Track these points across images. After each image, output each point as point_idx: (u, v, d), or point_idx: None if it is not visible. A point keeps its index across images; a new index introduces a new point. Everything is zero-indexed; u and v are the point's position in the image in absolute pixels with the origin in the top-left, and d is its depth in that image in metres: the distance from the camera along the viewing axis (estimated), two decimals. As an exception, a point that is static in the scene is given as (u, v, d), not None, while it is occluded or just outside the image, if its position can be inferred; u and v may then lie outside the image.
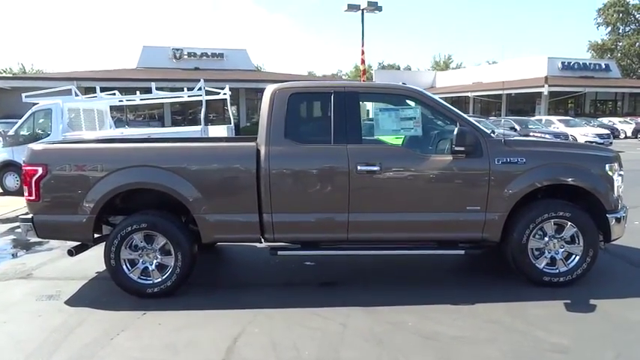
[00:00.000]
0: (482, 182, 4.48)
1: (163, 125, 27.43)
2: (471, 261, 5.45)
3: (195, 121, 29.47)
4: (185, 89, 14.20)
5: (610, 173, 4.62)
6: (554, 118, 26.08)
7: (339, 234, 4.59)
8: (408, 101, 4.69)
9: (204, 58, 31.26)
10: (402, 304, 4.36)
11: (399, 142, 5.00)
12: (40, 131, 11.29)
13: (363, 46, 22.92)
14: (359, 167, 4.44)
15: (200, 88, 11.44)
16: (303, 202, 4.54)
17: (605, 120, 31.02)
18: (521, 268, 4.62)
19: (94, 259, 5.65)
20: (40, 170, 4.54)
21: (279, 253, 4.65)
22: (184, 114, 30.01)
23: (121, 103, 14.54)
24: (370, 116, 5.61)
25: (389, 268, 5.39)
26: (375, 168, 4.44)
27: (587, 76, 38.54)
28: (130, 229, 4.55)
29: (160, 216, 4.66)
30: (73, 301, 4.66)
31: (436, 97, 4.88)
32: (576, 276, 4.61)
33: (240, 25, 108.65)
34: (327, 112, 4.61)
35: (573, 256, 4.64)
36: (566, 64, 38.45)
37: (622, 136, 29.93)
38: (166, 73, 27.59)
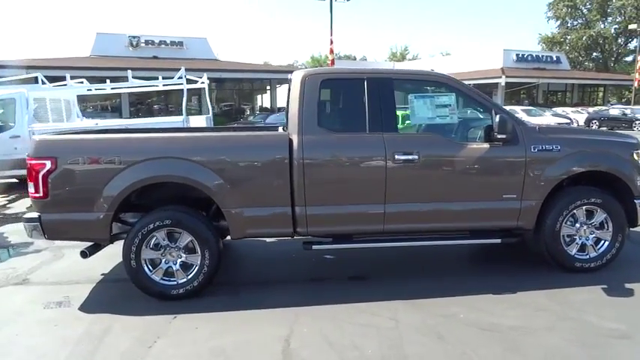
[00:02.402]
0: (519, 170, 4.42)
1: (121, 116, 26.25)
2: (490, 250, 5.42)
3: (150, 112, 28.55)
4: (161, 79, 13.36)
5: (637, 159, 4.68)
6: (517, 108, 26.84)
7: (375, 226, 4.42)
8: (442, 88, 4.56)
9: (163, 46, 30.12)
10: (441, 295, 4.25)
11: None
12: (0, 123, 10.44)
13: (331, 35, 22.82)
14: (396, 156, 4.28)
15: (181, 77, 10.88)
16: (338, 194, 4.33)
17: (558, 110, 32.26)
18: (553, 255, 4.61)
19: (90, 260, 5.24)
20: (48, 164, 4.10)
21: (314, 247, 4.42)
22: (142, 104, 28.93)
23: (90, 93, 13.67)
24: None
25: (413, 260, 5.29)
26: (414, 157, 4.29)
27: (539, 68, 40.04)
28: (152, 226, 4.20)
29: (184, 212, 4.34)
30: (88, 307, 4.27)
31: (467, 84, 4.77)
32: (606, 261, 4.65)
33: (199, 12, 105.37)
34: (360, 99, 4.40)
35: (602, 241, 4.68)
36: (520, 56, 39.75)
37: (575, 125, 31.28)
38: (123, 62, 26.33)
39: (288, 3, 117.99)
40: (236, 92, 35.90)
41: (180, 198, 4.49)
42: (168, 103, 29.93)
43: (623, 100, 43.75)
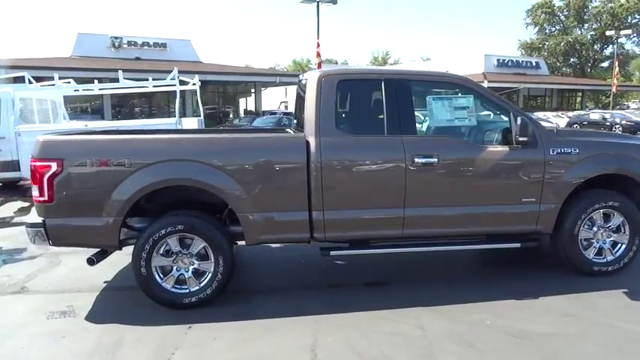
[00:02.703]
0: (538, 173, 4.36)
1: (103, 118, 25.68)
2: (499, 254, 5.34)
3: (132, 114, 27.95)
4: (151, 80, 13.01)
5: (651, 161, 4.66)
6: None
7: (393, 230, 4.30)
8: (459, 90, 4.48)
9: (146, 47, 29.60)
10: (461, 301, 4.15)
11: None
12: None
13: (318, 38, 22.66)
14: (416, 159, 4.17)
15: (174, 78, 10.62)
16: (357, 198, 4.21)
17: (540, 114, 32.74)
18: (571, 259, 4.56)
19: (90, 267, 5.01)
20: (53, 166, 3.88)
21: (332, 253, 4.28)
22: (123, 107, 28.38)
23: (77, 94, 13.29)
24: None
25: (426, 265, 5.19)
26: (433, 160, 4.19)
27: (519, 73, 40.59)
28: (164, 232, 4.01)
29: (197, 217, 4.16)
30: (95, 317, 4.05)
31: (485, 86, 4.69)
32: (623, 264, 4.62)
33: (180, 14, 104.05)
34: (378, 100, 4.29)
35: (619, 245, 4.64)
36: (501, 61, 40.26)
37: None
38: (104, 63, 25.81)
39: (269, 6, 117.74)
40: (219, 95, 35.54)
41: (189, 202, 4.31)
42: (151, 105, 29.42)
43: (600, 105, 44.74)
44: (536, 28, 49.51)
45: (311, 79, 4.30)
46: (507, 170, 4.34)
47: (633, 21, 45.96)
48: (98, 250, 4.25)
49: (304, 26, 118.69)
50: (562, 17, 48.47)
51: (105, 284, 4.81)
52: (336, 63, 73.06)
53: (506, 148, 4.32)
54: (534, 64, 42.53)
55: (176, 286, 4.13)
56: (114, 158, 3.93)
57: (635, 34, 45.80)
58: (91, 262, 4.13)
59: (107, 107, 26.60)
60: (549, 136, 4.44)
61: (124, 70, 23.05)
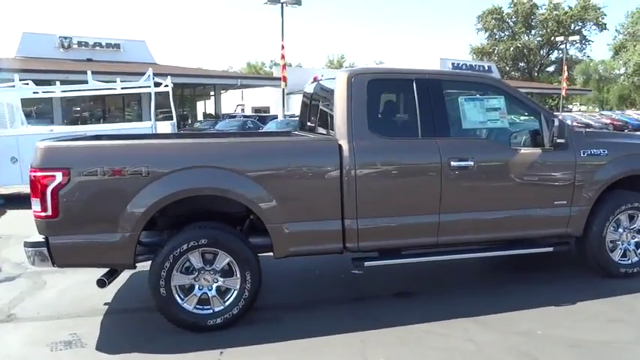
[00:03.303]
0: (569, 175, 4.27)
1: (52, 123, 24.20)
2: (517, 259, 5.25)
3: (84, 119, 26.51)
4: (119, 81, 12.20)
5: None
6: None
7: (428, 238, 4.09)
8: (490, 91, 4.33)
9: (98, 48, 28.21)
10: (501, 310, 3.97)
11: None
12: None
13: (282, 40, 22.38)
14: (452, 163, 3.97)
15: (148, 78, 9.99)
16: (392, 204, 3.96)
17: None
18: (599, 261, 4.50)
19: (82, 288, 4.56)
20: (58, 176, 3.41)
21: (367, 264, 4.01)
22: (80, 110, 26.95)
23: (36, 96, 12.32)
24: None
25: (449, 273, 4.97)
26: (469, 163, 4.01)
27: (472, 76, 41.77)
28: (185, 247, 3.62)
29: (221, 229, 3.79)
30: (107, 346, 3.58)
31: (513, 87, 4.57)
32: (649, 267, 4.61)
33: (136, 15, 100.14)
34: (410, 101, 4.07)
35: (645, 246, 4.63)
36: (455, 65, 41.23)
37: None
38: (53, 64, 24.37)
39: (222, 8, 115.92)
40: (176, 98, 34.38)
41: (204, 213, 3.93)
42: (105, 108, 28.07)
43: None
44: (487, 34, 51.18)
45: (340, 79, 4.02)
46: (540, 173, 4.23)
47: (576, 28, 48.34)
48: (107, 269, 3.79)
49: (258, 28, 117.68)
50: (511, 23, 50.34)
51: (106, 307, 4.33)
52: (290, 65, 72.85)
53: (537, 150, 4.20)
54: (486, 68, 43.85)
55: (198, 306, 3.74)
56: (129, 166, 3.50)
57: (577, 41, 48.15)
58: (102, 283, 3.67)
59: (57, 111, 25.09)
60: (579, 137, 4.37)
61: (75, 72, 21.97)
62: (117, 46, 29.24)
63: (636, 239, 4.60)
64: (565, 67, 35.28)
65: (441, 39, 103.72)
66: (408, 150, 3.99)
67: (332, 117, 4.27)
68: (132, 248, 3.57)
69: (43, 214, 3.44)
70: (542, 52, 50.27)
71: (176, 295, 3.68)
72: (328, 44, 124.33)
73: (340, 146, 3.84)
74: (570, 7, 48.06)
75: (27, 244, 3.55)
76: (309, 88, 5.02)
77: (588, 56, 51.57)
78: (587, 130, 4.73)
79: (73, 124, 21.02)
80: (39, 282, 5.02)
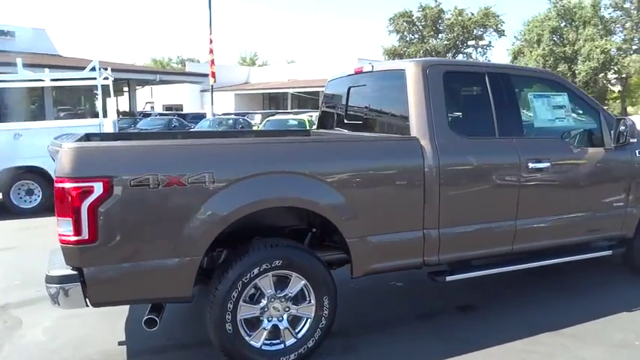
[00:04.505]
0: (627, 175, 4.15)
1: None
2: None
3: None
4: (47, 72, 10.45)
5: None
6: None
7: (504, 246, 3.74)
8: (555, 87, 4.08)
9: (-16, 36, 24.89)
10: (581, 320, 3.71)
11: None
12: None
13: (210, 34, 21.17)
14: (530, 164, 3.66)
15: (94, 68, 8.65)
16: (472, 211, 3.56)
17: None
18: (646, 263, 4.46)
19: (67, 323, 3.76)
20: (97, 188, 2.58)
21: (449, 278, 3.56)
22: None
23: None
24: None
25: (498, 283, 4.61)
26: (546, 164, 3.72)
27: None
28: (257, 271, 2.93)
29: (294, 247, 3.14)
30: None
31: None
32: (681, 264, 4.65)
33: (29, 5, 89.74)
34: (485, 97, 3.67)
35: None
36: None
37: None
38: None
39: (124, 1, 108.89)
40: (82, 93, 31.38)
41: (255, 227, 3.26)
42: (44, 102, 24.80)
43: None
44: (398, 36, 52.81)
45: (412, 70, 3.51)
46: (605, 173, 4.07)
47: (479, 33, 51.53)
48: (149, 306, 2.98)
49: (162, 23, 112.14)
50: (420, 27, 52.40)
51: (123, 347, 3.48)
52: (199, 62, 70.03)
53: (601, 150, 4.02)
54: (401, 69, 45.28)
55: (266, 342, 3.07)
56: (189, 173, 2.75)
57: (480, 46, 51.38)
58: (152, 323, 2.86)
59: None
60: (632, 136, 4.27)
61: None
62: (11, 33, 26.04)
63: (672, 237, 4.62)
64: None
65: (357, 39, 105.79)
66: (489, 150, 3.61)
67: (393, 114, 3.80)
68: (192, 276, 2.82)
69: (76, 237, 2.59)
70: (448, 55, 52.95)
71: (242, 331, 2.98)
72: (240, 41, 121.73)
73: (422, 147, 3.36)
74: (473, 14, 51.07)
75: (51, 280, 2.66)
76: (342, 82, 4.48)
77: (489, 60, 55.28)
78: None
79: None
80: (11, 320, 3.99)
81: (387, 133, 3.76)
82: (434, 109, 3.42)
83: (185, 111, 37.06)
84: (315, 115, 20.40)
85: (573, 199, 3.95)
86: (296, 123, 16.10)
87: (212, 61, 21.28)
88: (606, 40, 42.23)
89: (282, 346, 3.09)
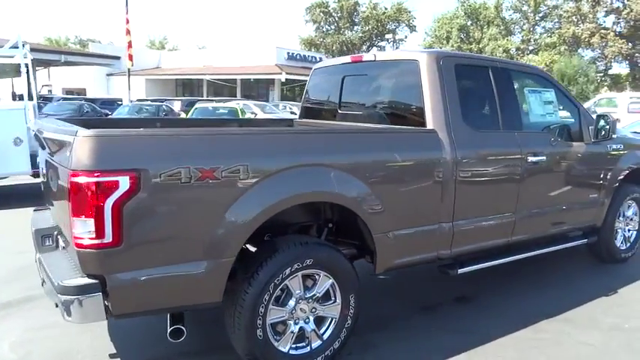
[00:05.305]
0: (603, 168, 4.44)
1: None
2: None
3: None
4: None
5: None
6: (250, 103, 25.19)
7: (503, 238, 3.83)
8: (542, 84, 4.23)
9: None
10: (572, 306, 3.92)
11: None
12: None
13: (127, 13, 19.70)
14: (529, 158, 3.77)
15: (16, 46, 7.54)
16: (483, 204, 3.61)
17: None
18: (610, 249, 4.81)
19: (38, 335, 3.37)
20: (124, 182, 2.24)
21: (461, 271, 3.56)
22: None
23: None
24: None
25: (483, 275, 4.73)
26: (541, 158, 3.85)
27: (306, 67, 42.91)
28: (288, 271, 2.73)
29: (321, 245, 2.97)
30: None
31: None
32: (636, 250, 5.08)
33: None
34: (489, 90, 3.71)
35: (632, 232, 5.09)
36: (291, 54, 41.86)
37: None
38: None
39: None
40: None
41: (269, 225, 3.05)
42: None
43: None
44: (315, 26, 53.07)
45: (426, 61, 3.44)
46: (587, 166, 4.32)
47: (392, 27, 53.27)
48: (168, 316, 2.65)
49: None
50: (336, 18, 52.99)
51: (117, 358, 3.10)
52: (100, 43, 65.02)
53: (582, 144, 4.26)
54: (318, 59, 45.48)
55: (293, 345, 2.89)
56: (224, 165, 2.47)
57: (394, 39, 53.19)
58: (180, 334, 2.55)
59: None
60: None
61: None
62: None
63: (629, 226, 5.04)
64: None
65: (274, 27, 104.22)
66: (498, 143, 3.66)
67: (403, 105, 3.74)
68: (224, 279, 2.56)
69: (97, 240, 2.23)
70: (363, 47, 54.14)
71: (270, 336, 2.77)
72: (148, 23, 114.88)
73: (440, 139, 3.32)
74: (387, 9, 52.65)
75: (65, 290, 2.27)
76: (334, 71, 4.33)
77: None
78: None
79: None
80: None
81: (393, 125, 3.67)
82: (449, 101, 3.39)
83: (89, 95, 34.41)
84: (242, 103, 19.83)
85: (561, 191, 4.14)
86: (226, 112, 15.51)
87: (129, 43, 19.81)
88: (507, 39, 45.54)
89: (309, 349, 2.92)
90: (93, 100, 24.73)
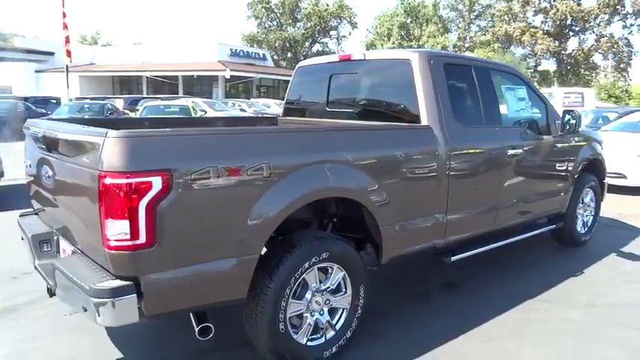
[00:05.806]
0: (568, 159, 4.82)
1: None
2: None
3: None
4: None
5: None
6: (199, 101, 25.26)
7: (489, 226, 4.09)
8: (515, 82, 4.52)
9: None
10: (546, 289, 4.22)
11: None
12: None
13: (63, 7, 18.74)
14: (509, 151, 4.05)
15: None
16: (472, 195, 3.85)
17: (270, 101, 34.25)
18: (572, 234, 5.22)
19: (32, 344, 3.24)
20: (157, 183, 2.24)
21: (454, 258, 3.77)
22: None
23: None
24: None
25: (471, 260, 4.96)
26: (518, 151, 4.14)
27: (250, 63, 42.50)
28: (307, 265, 2.82)
29: (334, 239, 3.08)
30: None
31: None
32: (593, 233, 5.54)
33: None
34: (472, 88, 3.95)
35: (589, 217, 5.54)
36: (234, 50, 41.32)
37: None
38: None
39: None
40: None
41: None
42: None
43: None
44: (257, 22, 52.65)
45: (417, 59, 3.60)
46: (556, 157, 4.68)
47: (334, 24, 53.78)
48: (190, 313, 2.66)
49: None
50: (278, 14, 52.83)
51: (127, 361, 3.06)
52: (24, 37, 61.21)
53: (550, 137, 4.60)
54: (262, 55, 45.21)
55: (309, 337, 2.98)
56: (249, 163, 2.52)
57: (336, 36, 53.72)
58: (208, 332, 2.57)
59: None
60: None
61: None
62: None
63: (587, 212, 5.48)
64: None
65: (215, 24, 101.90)
66: (483, 139, 3.90)
67: (395, 103, 3.91)
68: (250, 275, 2.61)
69: (131, 242, 2.22)
70: (306, 44, 54.37)
71: (290, 329, 2.85)
72: (77, 17, 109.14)
73: (435, 135, 3.51)
74: (328, 5, 53.03)
75: (99, 293, 2.24)
76: (321, 70, 4.42)
77: (344, 50, 58.07)
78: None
79: None
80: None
81: (384, 122, 3.82)
82: (441, 98, 3.59)
83: (15, 93, 32.30)
84: (191, 101, 19.41)
85: (535, 181, 4.48)
86: (177, 110, 15.16)
87: (67, 38, 18.91)
88: (445, 37, 47.18)
89: (324, 340, 3.01)
90: (25, 99, 23.31)
